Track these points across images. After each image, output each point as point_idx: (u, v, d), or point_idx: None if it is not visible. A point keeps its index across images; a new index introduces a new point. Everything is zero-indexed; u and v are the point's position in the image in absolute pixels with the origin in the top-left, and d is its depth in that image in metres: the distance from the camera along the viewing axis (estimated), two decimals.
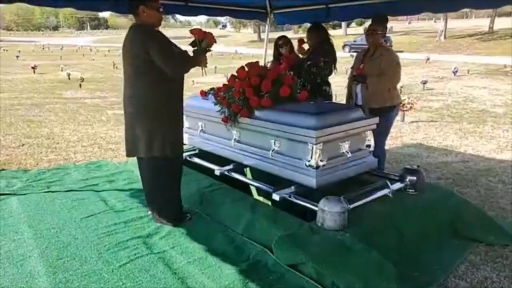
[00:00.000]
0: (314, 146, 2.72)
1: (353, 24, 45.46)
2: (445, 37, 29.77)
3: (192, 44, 2.94)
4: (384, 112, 3.47)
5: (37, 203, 3.43)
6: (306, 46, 4.21)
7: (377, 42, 3.70)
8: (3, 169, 4.47)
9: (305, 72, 3.88)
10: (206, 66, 2.95)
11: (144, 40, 2.68)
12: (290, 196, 2.87)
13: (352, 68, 3.90)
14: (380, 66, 3.59)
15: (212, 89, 3.77)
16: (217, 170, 3.50)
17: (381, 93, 3.60)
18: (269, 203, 3.22)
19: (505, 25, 29.34)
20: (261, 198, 3.53)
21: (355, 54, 4.40)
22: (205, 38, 2.89)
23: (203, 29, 2.93)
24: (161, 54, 2.67)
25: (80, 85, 13.26)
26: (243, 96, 3.20)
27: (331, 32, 4.20)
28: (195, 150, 4.09)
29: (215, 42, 2.93)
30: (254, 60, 3.52)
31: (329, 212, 2.53)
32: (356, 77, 3.75)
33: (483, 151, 5.40)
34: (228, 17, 8.93)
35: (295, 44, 4.36)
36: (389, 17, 3.84)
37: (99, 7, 4.18)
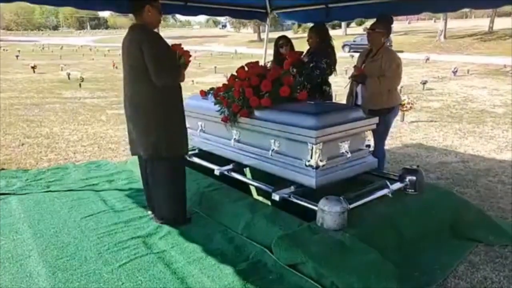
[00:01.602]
0: (314, 146, 2.72)
1: (353, 24, 45.48)
2: (445, 37, 29.78)
3: None
4: (383, 113, 3.45)
5: (37, 202, 3.43)
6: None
7: (376, 41, 3.67)
8: (3, 169, 4.47)
9: (307, 73, 3.89)
10: (182, 81, 2.96)
11: (143, 41, 2.67)
12: (289, 196, 2.88)
13: (354, 67, 3.90)
14: (381, 67, 3.56)
15: (212, 89, 3.77)
16: (216, 170, 3.50)
17: (380, 95, 3.58)
18: (269, 203, 3.22)
19: (505, 25, 29.35)
20: (260, 198, 3.53)
21: (354, 54, 4.39)
22: (183, 55, 2.93)
23: (183, 46, 2.99)
24: (154, 61, 2.66)
25: (80, 84, 13.25)
26: (243, 96, 3.20)
27: (331, 32, 4.21)
28: (194, 150, 4.09)
29: (190, 62, 2.99)
30: (254, 60, 3.52)
31: (328, 212, 2.53)
32: (356, 77, 3.73)
33: (482, 151, 5.40)
34: (227, 17, 8.93)
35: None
36: None
37: (99, 6, 4.18)
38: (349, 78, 3.91)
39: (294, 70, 3.94)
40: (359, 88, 3.76)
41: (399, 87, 4.07)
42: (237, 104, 3.23)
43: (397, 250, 2.61)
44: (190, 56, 3.00)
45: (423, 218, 2.88)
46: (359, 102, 3.76)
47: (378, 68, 3.58)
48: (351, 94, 3.87)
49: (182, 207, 3.10)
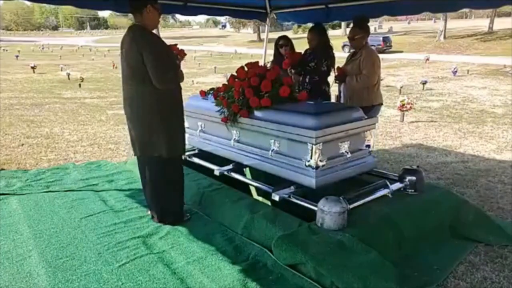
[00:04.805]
0: (314, 146, 2.72)
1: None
2: (444, 37, 29.79)
3: None
4: (364, 111, 3.49)
5: (37, 203, 3.43)
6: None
7: (359, 45, 3.78)
8: (3, 169, 4.47)
9: (308, 73, 3.92)
10: (181, 81, 2.98)
11: (143, 45, 2.67)
12: (289, 196, 2.87)
13: (336, 68, 3.98)
14: (359, 66, 3.68)
15: (212, 89, 3.77)
16: (216, 170, 3.50)
17: (359, 93, 3.70)
18: (269, 203, 3.22)
19: (505, 25, 29.38)
20: (260, 198, 3.53)
21: None
22: (178, 55, 3.03)
23: (179, 46, 3.16)
24: (154, 66, 2.66)
25: (80, 85, 13.26)
26: (243, 96, 3.20)
27: (331, 32, 4.24)
28: (194, 150, 4.09)
29: (184, 56, 3.18)
30: (253, 60, 3.52)
31: (328, 212, 2.53)
32: (336, 77, 3.86)
33: (482, 151, 5.40)
34: (227, 17, 8.94)
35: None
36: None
37: (99, 5, 4.18)
38: (333, 79, 3.98)
39: (292, 71, 3.96)
40: (342, 87, 3.89)
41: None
42: (237, 104, 3.23)
43: (397, 250, 2.61)
44: (185, 54, 3.14)
45: (423, 218, 2.88)
46: (342, 100, 3.88)
47: (357, 67, 3.70)
48: (339, 94, 4.00)
49: (181, 207, 3.10)
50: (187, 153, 3.84)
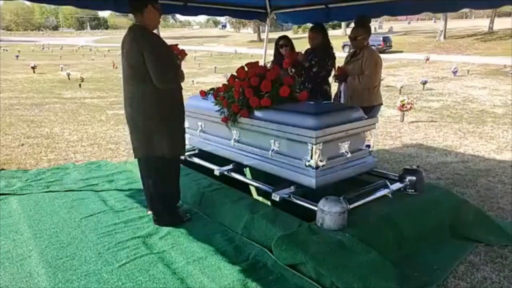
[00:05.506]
0: (314, 146, 2.72)
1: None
2: (444, 37, 29.78)
3: None
4: (364, 112, 3.49)
5: (37, 203, 3.43)
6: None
7: (360, 46, 3.78)
8: (3, 169, 4.47)
9: (309, 74, 3.92)
10: (182, 81, 2.99)
11: (144, 45, 2.67)
12: (289, 196, 2.88)
13: (337, 67, 3.98)
14: (361, 66, 3.68)
15: (212, 89, 3.77)
16: (216, 170, 3.50)
17: (361, 93, 3.69)
18: (269, 203, 3.22)
19: (505, 25, 29.38)
20: (260, 198, 3.53)
21: None
22: (178, 55, 3.07)
23: (179, 46, 3.19)
24: (155, 66, 2.66)
25: (80, 85, 13.27)
26: (243, 96, 3.20)
27: (331, 32, 4.24)
28: (194, 150, 4.09)
29: (185, 56, 3.21)
30: (254, 60, 3.52)
31: (328, 212, 2.53)
32: (337, 77, 3.86)
33: (482, 151, 5.40)
34: (227, 17, 8.94)
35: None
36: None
37: (99, 5, 4.19)
38: (332, 77, 3.97)
39: (293, 70, 3.96)
40: (342, 87, 3.89)
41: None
42: (237, 104, 3.23)
43: (397, 250, 2.61)
44: (186, 54, 3.16)
45: (423, 218, 2.88)
46: (342, 100, 3.87)
47: (359, 67, 3.70)
48: (337, 94, 3.99)
49: (180, 207, 3.10)
50: (187, 153, 3.84)
